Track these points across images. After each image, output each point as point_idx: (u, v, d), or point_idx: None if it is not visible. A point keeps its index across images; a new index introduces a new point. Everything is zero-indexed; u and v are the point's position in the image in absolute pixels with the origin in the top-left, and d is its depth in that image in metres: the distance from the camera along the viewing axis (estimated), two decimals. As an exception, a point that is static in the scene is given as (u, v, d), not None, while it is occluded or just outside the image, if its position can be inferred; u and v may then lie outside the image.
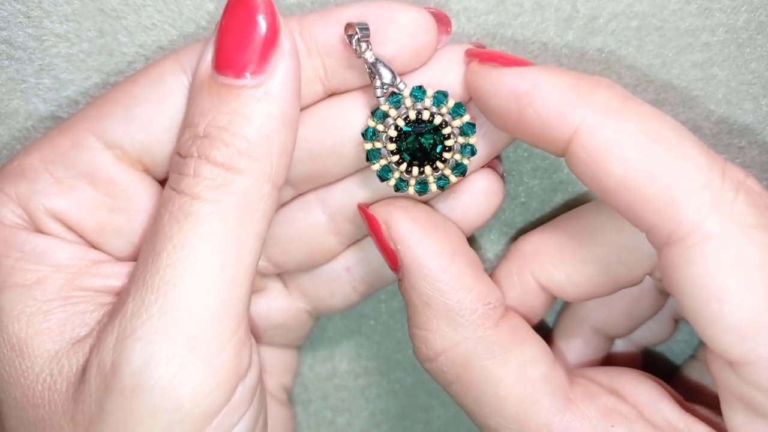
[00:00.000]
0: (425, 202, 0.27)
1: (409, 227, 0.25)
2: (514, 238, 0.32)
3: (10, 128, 0.29)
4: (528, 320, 0.29)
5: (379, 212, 0.26)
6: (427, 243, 0.25)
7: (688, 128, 0.30)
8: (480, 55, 0.24)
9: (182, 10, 0.28)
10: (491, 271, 0.30)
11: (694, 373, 0.32)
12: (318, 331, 0.35)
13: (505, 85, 0.23)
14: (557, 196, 0.31)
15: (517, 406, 0.25)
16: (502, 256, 0.31)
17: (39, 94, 0.29)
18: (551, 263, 0.28)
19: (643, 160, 0.22)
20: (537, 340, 0.26)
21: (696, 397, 0.31)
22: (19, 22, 0.28)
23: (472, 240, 0.32)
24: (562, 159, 0.30)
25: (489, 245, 0.32)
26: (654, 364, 0.34)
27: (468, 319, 0.25)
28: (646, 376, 0.27)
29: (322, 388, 0.36)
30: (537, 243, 0.29)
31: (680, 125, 0.23)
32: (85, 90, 0.29)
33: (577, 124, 0.22)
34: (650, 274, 0.27)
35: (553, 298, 0.29)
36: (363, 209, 0.26)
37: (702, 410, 0.26)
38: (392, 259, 0.26)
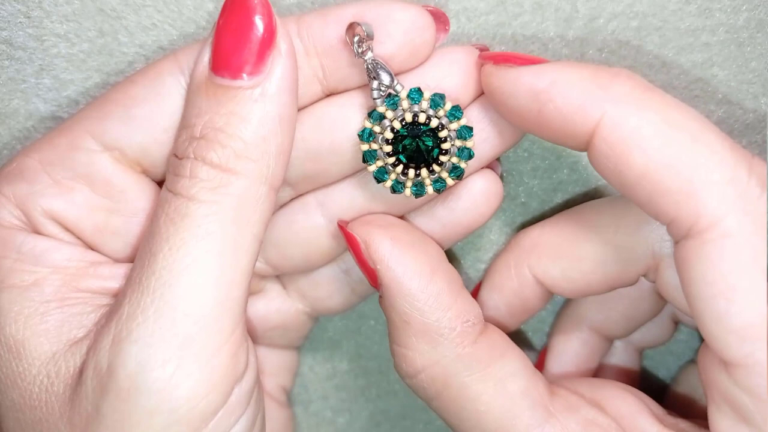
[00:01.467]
0: (422, 203, 0.27)
1: (387, 247, 0.25)
2: (514, 238, 0.32)
3: (10, 128, 0.30)
4: (525, 313, 0.29)
5: (358, 231, 0.26)
6: (406, 262, 0.25)
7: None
8: (494, 57, 0.24)
9: (182, 10, 0.28)
10: (490, 262, 0.30)
11: (692, 378, 0.32)
12: (318, 331, 0.35)
13: (523, 84, 0.23)
14: (557, 196, 0.31)
15: (497, 420, 0.25)
16: (502, 248, 0.31)
17: (39, 94, 0.29)
18: (548, 258, 0.28)
19: (666, 151, 0.21)
20: (517, 353, 0.26)
21: (692, 404, 0.31)
22: (20, 22, 0.28)
23: (471, 240, 0.32)
24: (562, 159, 0.31)
25: (489, 245, 0.32)
26: (653, 366, 0.34)
27: (447, 337, 0.25)
28: (628, 389, 0.27)
29: (322, 388, 0.36)
30: (536, 237, 0.29)
31: (703, 117, 0.22)
32: (85, 90, 0.29)
33: (599, 117, 0.22)
34: (645, 276, 0.27)
35: (550, 293, 0.29)
36: (342, 227, 0.27)
37: (684, 424, 0.26)
38: (372, 277, 0.26)
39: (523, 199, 0.31)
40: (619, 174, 0.22)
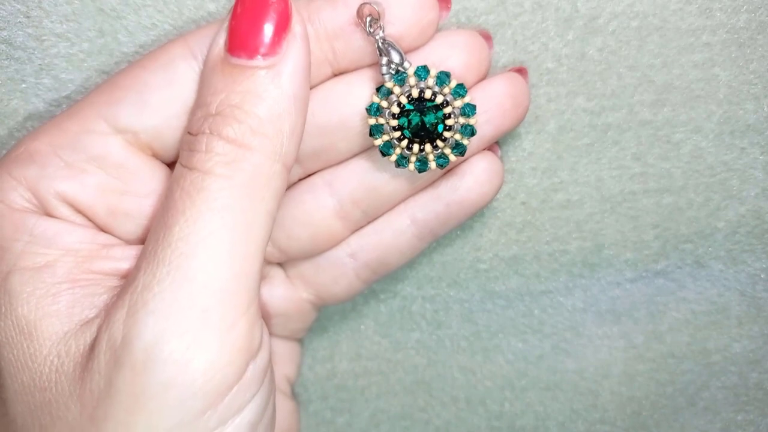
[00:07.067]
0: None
1: None
2: (514, 238, 0.32)
3: (9, 128, 0.30)
4: None
5: None
6: None
7: (689, 129, 0.30)
8: None
9: (182, 10, 0.28)
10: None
11: None
12: (318, 331, 0.35)
13: None
14: (557, 196, 0.31)
15: None
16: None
17: (39, 94, 0.29)
18: None
19: None
20: None
21: None
22: (19, 22, 0.28)
23: (471, 240, 0.32)
24: (562, 159, 0.31)
25: (489, 245, 0.32)
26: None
27: None
28: None
29: (322, 388, 0.36)
30: None
31: None
32: (85, 90, 0.29)
33: None
34: None
35: None
36: None
37: None
38: None
39: (523, 199, 0.31)
40: None
